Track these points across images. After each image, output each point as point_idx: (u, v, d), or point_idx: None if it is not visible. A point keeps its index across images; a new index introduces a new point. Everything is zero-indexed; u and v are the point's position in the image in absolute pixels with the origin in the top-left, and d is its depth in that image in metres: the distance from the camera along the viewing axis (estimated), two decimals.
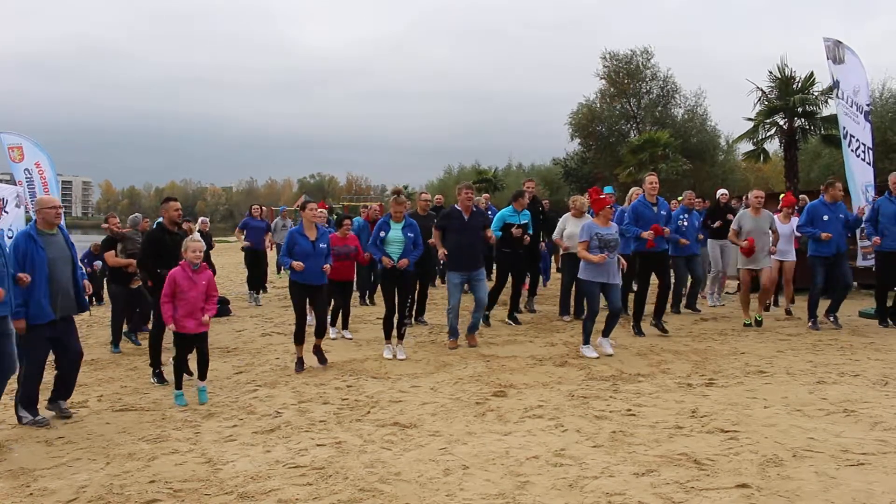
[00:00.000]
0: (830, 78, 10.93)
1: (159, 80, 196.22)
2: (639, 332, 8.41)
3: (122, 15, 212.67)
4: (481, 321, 8.52)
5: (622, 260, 7.60)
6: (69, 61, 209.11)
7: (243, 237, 12.56)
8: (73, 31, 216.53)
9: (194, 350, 6.09)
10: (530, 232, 9.40)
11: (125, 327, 8.66)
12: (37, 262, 5.38)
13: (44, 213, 5.60)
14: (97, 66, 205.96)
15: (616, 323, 7.59)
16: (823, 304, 8.88)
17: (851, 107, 10.63)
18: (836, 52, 10.60)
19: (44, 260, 5.43)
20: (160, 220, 7.47)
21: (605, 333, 7.48)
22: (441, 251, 7.91)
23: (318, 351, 7.32)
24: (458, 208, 7.97)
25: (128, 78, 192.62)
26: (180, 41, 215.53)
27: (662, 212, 8.48)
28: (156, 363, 6.75)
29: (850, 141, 10.52)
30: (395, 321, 7.55)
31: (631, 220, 8.29)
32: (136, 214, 9.91)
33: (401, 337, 7.59)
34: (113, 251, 8.53)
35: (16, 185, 10.84)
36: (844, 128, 10.55)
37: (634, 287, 9.63)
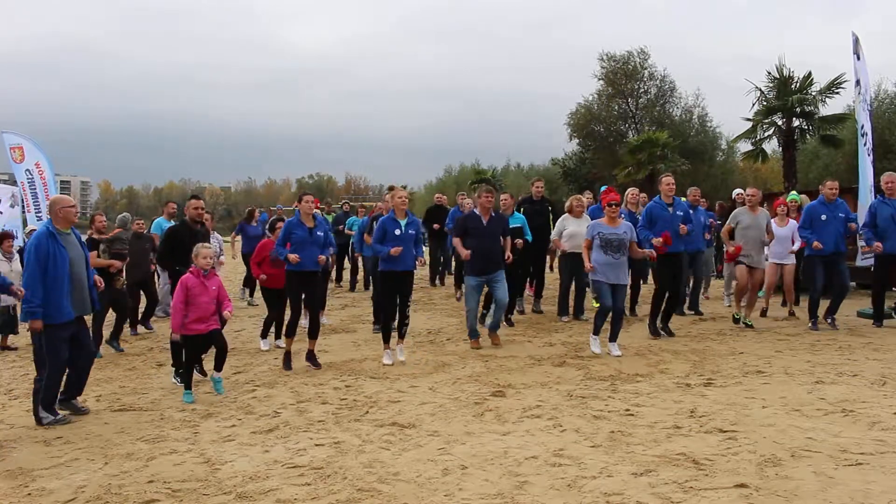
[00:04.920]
0: (854, 74, 10.93)
1: (157, 79, 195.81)
2: (655, 332, 8.31)
3: (119, 14, 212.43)
4: (503, 321, 8.48)
5: (643, 250, 7.72)
6: (66, 60, 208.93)
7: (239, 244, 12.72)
8: (67, 30, 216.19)
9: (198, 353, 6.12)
10: (528, 237, 9.37)
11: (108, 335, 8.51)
12: (59, 261, 5.37)
13: (64, 212, 5.59)
14: (95, 65, 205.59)
15: (621, 325, 7.59)
16: (823, 305, 8.86)
17: (869, 105, 10.71)
18: (857, 47, 10.58)
19: (66, 259, 5.42)
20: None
21: (612, 338, 7.47)
22: (465, 252, 7.84)
23: (311, 356, 7.16)
24: (478, 212, 7.98)
25: (125, 77, 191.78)
26: (178, 41, 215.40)
27: (679, 212, 8.34)
28: (178, 362, 6.59)
29: (867, 140, 10.49)
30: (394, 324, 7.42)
31: (644, 223, 8.25)
32: (125, 214, 9.98)
33: (402, 336, 7.45)
34: (95, 252, 8.47)
35: (13, 185, 10.87)
36: (863, 126, 10.51)
37: (641, 284, 10.15)
